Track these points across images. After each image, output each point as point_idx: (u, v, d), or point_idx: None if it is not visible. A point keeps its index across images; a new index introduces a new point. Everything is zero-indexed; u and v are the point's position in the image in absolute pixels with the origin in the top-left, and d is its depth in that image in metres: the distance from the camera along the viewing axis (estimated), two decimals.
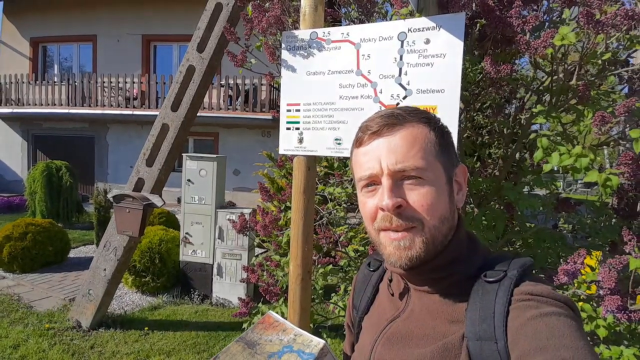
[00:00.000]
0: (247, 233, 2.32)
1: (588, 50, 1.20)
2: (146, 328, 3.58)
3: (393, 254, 0.61)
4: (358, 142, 0.66)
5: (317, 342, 0.73)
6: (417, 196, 0.59)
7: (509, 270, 0.59)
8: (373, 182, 0.63)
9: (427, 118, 0.64)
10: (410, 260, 0.60)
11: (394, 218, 0.59)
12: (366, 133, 0.64)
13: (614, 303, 1.17)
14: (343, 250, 2.13)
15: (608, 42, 1.19)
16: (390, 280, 0.73)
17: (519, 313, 0.54)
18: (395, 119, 0.62)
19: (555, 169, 1.29)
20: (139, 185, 3.39)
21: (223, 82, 9.38)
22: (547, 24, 1.49)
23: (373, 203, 0.62)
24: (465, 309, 0.59)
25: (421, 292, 0.65)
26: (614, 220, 1.56)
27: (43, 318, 3.68)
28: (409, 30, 1.30)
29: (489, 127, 1.99)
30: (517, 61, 1.97)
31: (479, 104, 1.82)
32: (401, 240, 0.60)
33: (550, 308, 0.53)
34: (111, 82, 9.91)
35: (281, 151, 1.58)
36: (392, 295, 0.71)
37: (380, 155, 0.61)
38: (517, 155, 1.71)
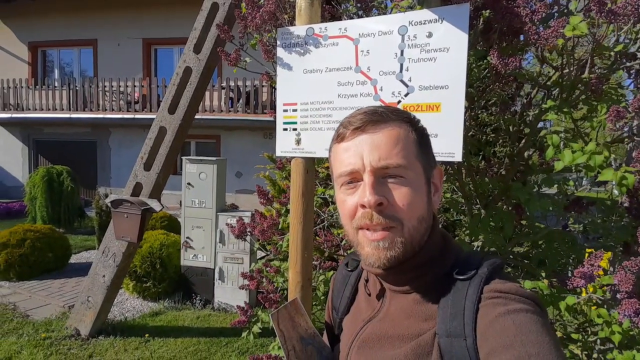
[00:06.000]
0: (247, 238, 2.25)
1: (600, 41, 1.12)
2: (147, 335, 3.53)
3: (372, 255, 0.61)
4: (339, 138, 0.64)
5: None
6: (398, 195, 0.59)
7: (480, 268, 0.59)
8: (354, 178, 0.62)
9: (408, 118, 0.65)
10: (389, 261, 0.60)
11: (374, 215, 0.59)
12: (349, 128, 0.62)
13: (632, 307, 1.11)
14: (345, 254, 2.06)
15: (618, 34, 1.12)
16: (367, 281, 0.73)
17: (488, 310, 0.54)
18: (379, 116, 0.62)
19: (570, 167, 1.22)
20: (137, 190, 3.33)
21: (224, 84, 9.33)
22: (555, 15, 1.41)
23: (353, 201, 0.61)
24: (438, 306, 0.59)
25: (396, 292, 0.66)
26: (626, 220, 1.49)
27: (39, 327, 3.59)
28: (410, 23, 1.23)
29: (494, 125, 1.91)
30: (523, 56, 1.89)
31: (483, 101, 1.75)
32: (380, 240, 0.59)
33: (517, 305, 0.54)
34: (112, 86, 9.91)
35: (278, 153, 1.52)
36: (369, 295, 0.72)
37: (362, 152, 0.60)
38: (526, 153, 1.64)
